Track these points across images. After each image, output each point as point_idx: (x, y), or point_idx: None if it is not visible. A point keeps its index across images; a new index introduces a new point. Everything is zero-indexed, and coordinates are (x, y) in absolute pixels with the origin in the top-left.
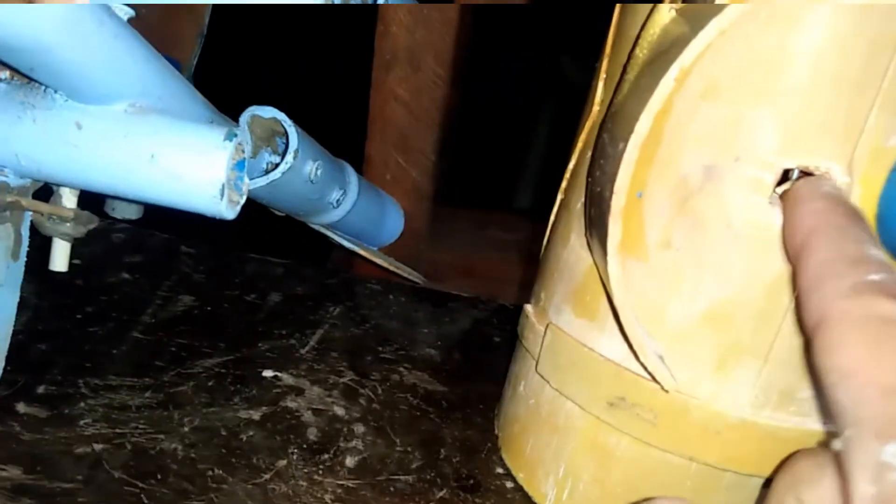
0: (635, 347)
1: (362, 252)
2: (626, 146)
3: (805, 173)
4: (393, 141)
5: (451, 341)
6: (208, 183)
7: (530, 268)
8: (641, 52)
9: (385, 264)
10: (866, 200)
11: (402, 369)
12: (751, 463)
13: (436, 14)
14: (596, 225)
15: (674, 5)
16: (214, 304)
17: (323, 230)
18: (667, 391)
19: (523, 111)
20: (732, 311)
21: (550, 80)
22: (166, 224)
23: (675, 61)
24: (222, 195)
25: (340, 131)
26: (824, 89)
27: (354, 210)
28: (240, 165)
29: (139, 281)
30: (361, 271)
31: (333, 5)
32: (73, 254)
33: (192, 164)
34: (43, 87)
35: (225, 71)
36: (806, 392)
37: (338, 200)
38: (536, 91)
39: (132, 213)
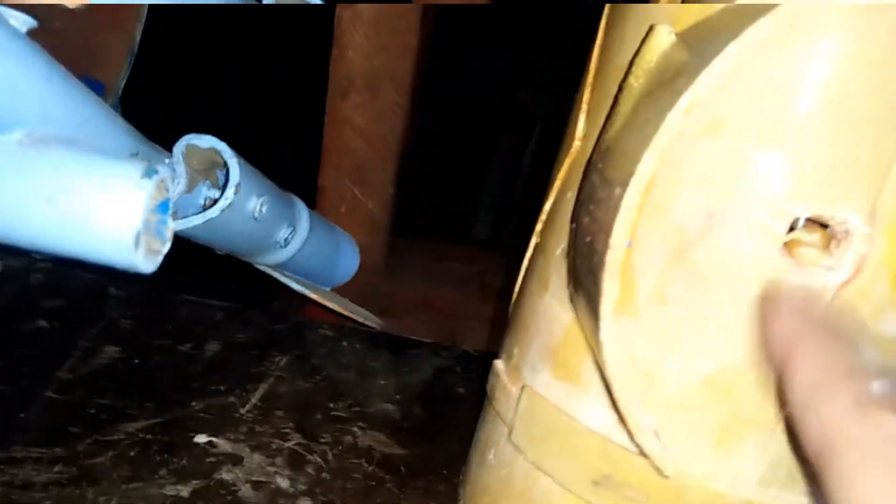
0: (630, 426)
1: (313, 295)
2: (623, 191)
3: (818, 223)
4: (349, 171)
5: (411, 394)
6: (120, 230)
7: (489, 302)
8: (637, 82)
9: (339, 308)
10: (889, 255)
11: (355, 429)
12: None
13: (396, 39)
14: (583, 280)
15: (673, 28)
16: (143, 356)
17: (269, 271)
18: (667, 476)
19: (481, 140)
20: (736, 378)
21: (508, 109)
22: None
23: (685, 92)
24: (137, 244)
25: (291, 161)
26: (847, 126)
27: (305, 249)
28: (162, 207)
29: (58, 329)
30: (313, 315)
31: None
32: None
33: (101, 207)
34: None
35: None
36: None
37: (286, 239)
38: (493, 120)
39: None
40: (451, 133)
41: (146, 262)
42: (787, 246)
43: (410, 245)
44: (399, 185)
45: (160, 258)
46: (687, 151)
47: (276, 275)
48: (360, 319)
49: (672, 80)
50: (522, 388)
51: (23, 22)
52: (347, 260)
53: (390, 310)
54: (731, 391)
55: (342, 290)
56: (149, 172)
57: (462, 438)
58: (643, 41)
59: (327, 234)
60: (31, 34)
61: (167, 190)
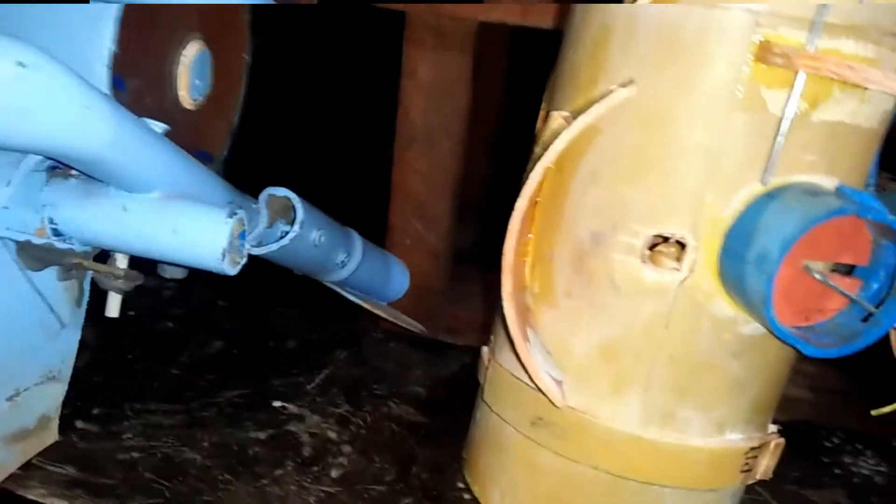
0: (529, 371)
1: (367, 305)
2: (510, 222)
3: (665, 239)
4: (412, 209)
5: (439, 381)
6: (213, 249)
7: None
8: (537, 150)
9: (390, 317)
10: (709, 259)
11: (391, 403)
12: (644, 472)
13: (448, 100)
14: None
15: (563, 113)
16: (240, 348)
17: (335, 287)
18: (558, 407)
19: None
20: (618, 348)
21: None
22: (207, 282)
23: (547, 152)
24: (224, 257)
25: (365, 202)
26: (673, 176)
27: (360, 270)
28: (241, 235)
29: (180, 329)
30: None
31: None
32: (130, 306)
33: (203, 235)
34: (101, 182)
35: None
36: (683, 413)
37: (343, 262)
38: None
39: (179, 273)
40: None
41: (230, 269)
42: (653, 255)
43: (473, 273)
44: (459, 220)
45: (239, 267)
46: (581, 192)
47: (339, 290)
48: (407, 326)
49: (549, 143)
50: (490, 361)
51: (160, 127)
52: (398, 280)
53: (453, 329)
54: (615, 358)
55: (411, 310)
56: (231, 214)
57: (471, 413)
58: (546, 123)
59: (379, 259)
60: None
61: (244, 225)
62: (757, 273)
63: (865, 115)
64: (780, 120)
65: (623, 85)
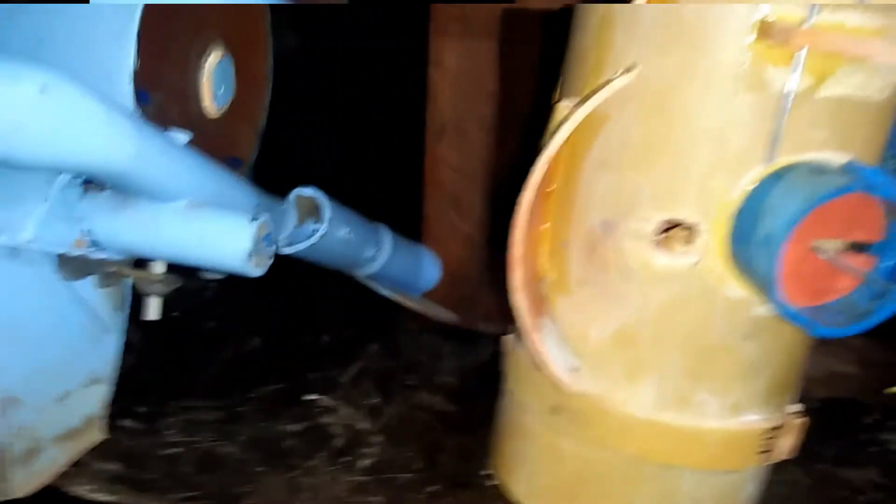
0: (541, 360)
1: (398, 298)
2: (517, 214)
3: (676, 224)
4: (446, 200)
5: (469, 371)
6: (238, 252)
7: None
8: (544, 142)
9: (420, 308)
10: (719, 241)
11: (422, 393)
12: (661, 454)
13: (477, 88)
14: None
15: (568, 103)
16: (278, 344)
17: (366, 281)
18: (568, 394)
19: None
20: (634, 333)
21: None
22: (246, 282)
23: (551, 143)
24: (249, 259)
25: (400, 195)
26: (680, 160)
27: (390, 263)
28: (266, 238)
29: (221, 327)
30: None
31: None
32: (173, 307)
33: (228, 240)
34: (133, 194)
35: (298, 155)
36: (699, 397)
37: (372, 256)
38: None
39: (218, 274)
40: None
41: (256, 270)
42: (664, 241)
43: (504, 258)
44: (493, 209)
45: (265, 268)
46: (591, 181)
47: (371, 284)
48: (438, 316)
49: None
50: (511, 350)
51: (182, 138)
52: (429, 271)
53: (490, 317)
54: (631, 344)
55: (446, 299)
56: (254, 218)
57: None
58: (551, 115)
59: (409, 252)
60: (191, 142)
61: (269, 227)
62: (764, 254)
63: (876, 88)
64: (785, 98)
65: (626, 71)
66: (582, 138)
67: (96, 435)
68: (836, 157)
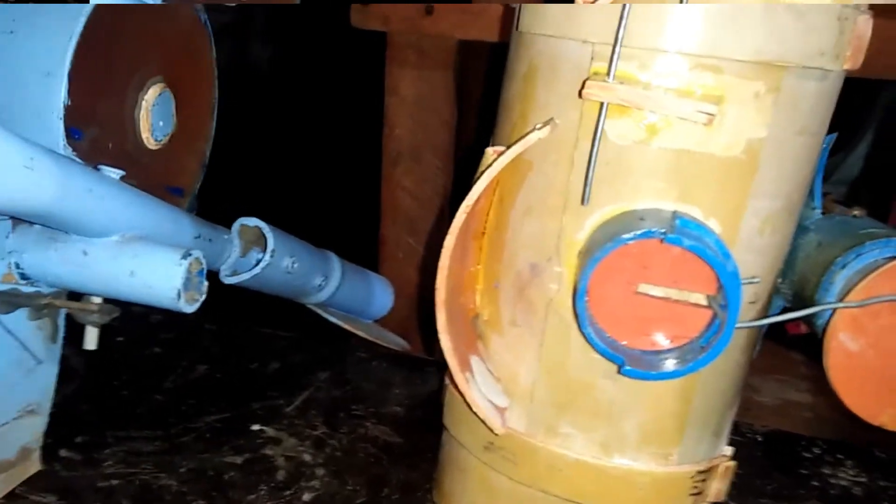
0: (468, 399)
1: (348, 326)
2: (441, 258)
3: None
4: (403, 225)
5: (418, 400)
6: (168, 290)
7: None
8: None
9: (370, 336)
10: (569, 279)
11: (368, 424)
12: (592, 496)
13: (433, 116)
14: None
15: (498, 149)
16: (223, 372)
17: (316, 309)
18: (496, 434)
19: None
20: (558, 376)
21: None
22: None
23: (471, 191)
24: (179, 297)
25: (357, 219)
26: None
27: (339, 292)
28: (200, 273)
29: (167, 353)
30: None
31: None
32: (118, 332)
33: (158, 276)
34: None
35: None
36: (629, 440)
37: (320, 285)
38: None
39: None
40: None
41: (188, 306)
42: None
43: None
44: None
45: (197, 305)
46: (518, 226)
47: (320, 311)
48: (389, 344)
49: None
50: (447, 386)
51: (116, 173)
52: (381, 298)
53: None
54: (557, 386)
55: (404, 324)
56: (185, 255)
57: None
58: (481, 161)
59: (360, 280)
60: (124, 178)
61: (202, 263)
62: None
63: (721, 144)
64: (619, 148)
65: (544, 125)
66: (509, 184)
67: (32, 467)
68: (679, 208)
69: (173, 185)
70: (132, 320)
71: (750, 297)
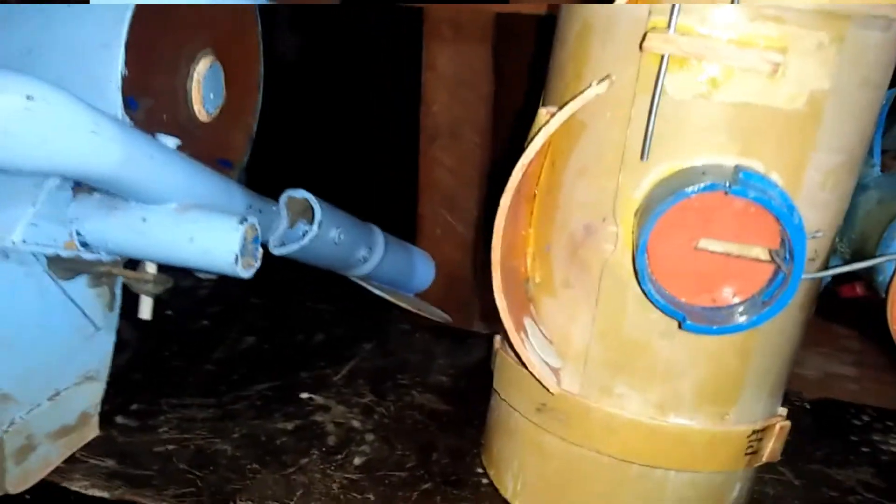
0: (524, 359)
1: (392, 298)
2: (496, 218)
3: None
4: (440, 201)
5: (462, 370)
6: (226, 254)
7: None
8: (525, 144)
9: (414, 308)
10: (625, 238)
11: (414, 392)
12: (647, 456)
13: (471, 92)
14: None
15: (551, 109)
16: (271, 343)
17: (360, 282)
18: (552, 393)
19: None
20: (613, 336)
21: None
22: (240, 282)
23: (527, 150)
24: (237, 262)
25: (396, 196)
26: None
27: (383, 264)
28: (255, 240)
29: (215, 326)
30: (401, 315)
31: None
32: (168, 306)
33: (216, 242)
34: (122, 197)
35: (296, 157)
36: (685, 399)
37: (364, 257)
38: None
39: (213, 274)
40: None
41: (244, 271)
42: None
43: None
44: (486, 211)
45: (254, 270)
46: (571, 186)
47: (364, 284)
48: (432, 317)
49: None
50: (497, 350)
51: (173, 142)
52: (423, 271)
53: (486, 317)
54: (612, 345)
55: (443, 300)
56: (242, 220)
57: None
58: (534, 122)
59: (402, 253)
60: (180, 147)
61: (257, 230)
62: (640, 248)
63: (783, 97)
64: (678, 102)
65: (600, 81)
66: (562, 145)
67: (90, 432)
68: (741, 163)
69: (223, 157)
70: (180, 295)
71: (810, 254)
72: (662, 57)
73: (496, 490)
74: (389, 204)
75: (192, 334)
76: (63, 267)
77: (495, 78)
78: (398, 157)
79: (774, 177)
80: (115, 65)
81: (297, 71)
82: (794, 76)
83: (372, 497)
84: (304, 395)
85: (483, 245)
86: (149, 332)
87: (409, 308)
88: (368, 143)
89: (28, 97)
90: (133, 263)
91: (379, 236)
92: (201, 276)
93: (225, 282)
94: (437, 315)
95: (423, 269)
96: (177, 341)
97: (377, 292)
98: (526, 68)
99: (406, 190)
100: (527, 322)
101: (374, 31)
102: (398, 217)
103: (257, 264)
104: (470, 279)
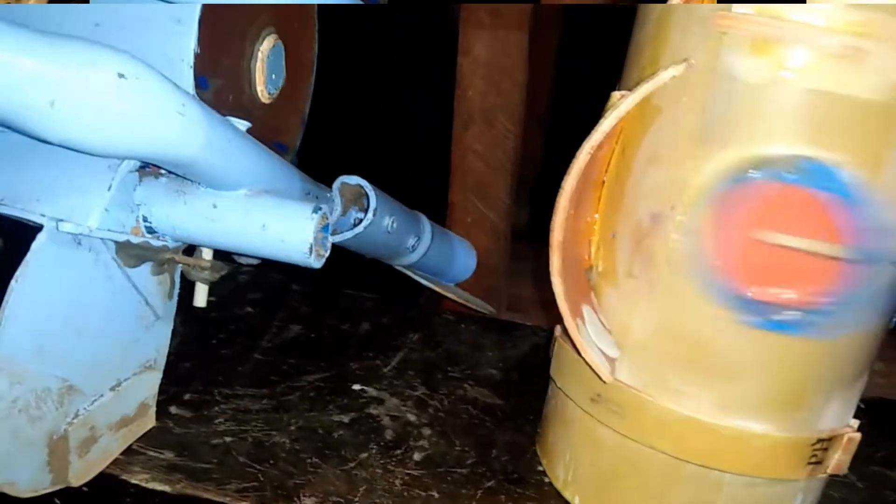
0: (578, 346)
1: (437, 288)
2: (558, 199)
3: None
4: (472, 188)
5: (512, 363)
6: (301, 244)
7: None
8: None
9: (458, 298)
10: (694, 227)
11: (466, 386)
12: (702, 455)
13: (506, 78)
14: None
15: (623, 92)
16: (317, 332)
17: (405, 270)
18: (604, 382)
19: None
20: (679, 329)
21: None
22: (279, 266)
23: (594, 132)
24: (311, 252)
25: (426, 183)
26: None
27: (429, 253)
28: (325, 229)
29: (259, 313)
30: (444, 305)
31: None
32: (210, 293)
33: (290, 230)
34: (191, 180)
35: (333, 142)
36: (747, 400)
37: (413, 246)
38: None
39: (254, 259)
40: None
41: (316, 261)
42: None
43: (534, 251)
44: (517, 199)
45: (324, 259)
46: (640, 174)
47: (410, 273)
48: (476, 307)
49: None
50: (556, 339)
51: (243, 125)
52: (465, 261)
53: (515, 307)
54: (675, 339)
55: (472, 289)
56: (315, 209)
57: (545, 394)
58: (605, 105)
59: (446, 241)
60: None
61: (328, 218)
62: None
63: (865, 86)
64: (754, 88)
65: (677, 63)
66: (635, 131)
67: (148, 422)
68: (812, 153)
69: (278, 140)
70: (221, 280)
71: (893, 255)
72: (742, 40)
73: (558, 492)
74: (420, 191)
75: (237, 321)
76: (130, 254)
77: (530, 62)
78: (430, 144)
79: (850, 170)
80: (189, 41)
81: (329, 56)
82: (877, 65)
83: (436, 495)
84: (357, 387)
85: (514, 234)
86: (194, 320)
87: (456, 299)
88: (400, 129)
89: (119, 74)
90: (188, 250)
91: (426, 224)
92: (242, 261)
93: (266, 267)
94: (481, 306)
95: (464, 259)
96: (223, 329)
97: (423, 281)
98: (553, 56)
99: (437, 177)
100: (585, 310)
101: (411, 18)
102: (429, 204)
103: (327, 254)
104: (500, 268)
